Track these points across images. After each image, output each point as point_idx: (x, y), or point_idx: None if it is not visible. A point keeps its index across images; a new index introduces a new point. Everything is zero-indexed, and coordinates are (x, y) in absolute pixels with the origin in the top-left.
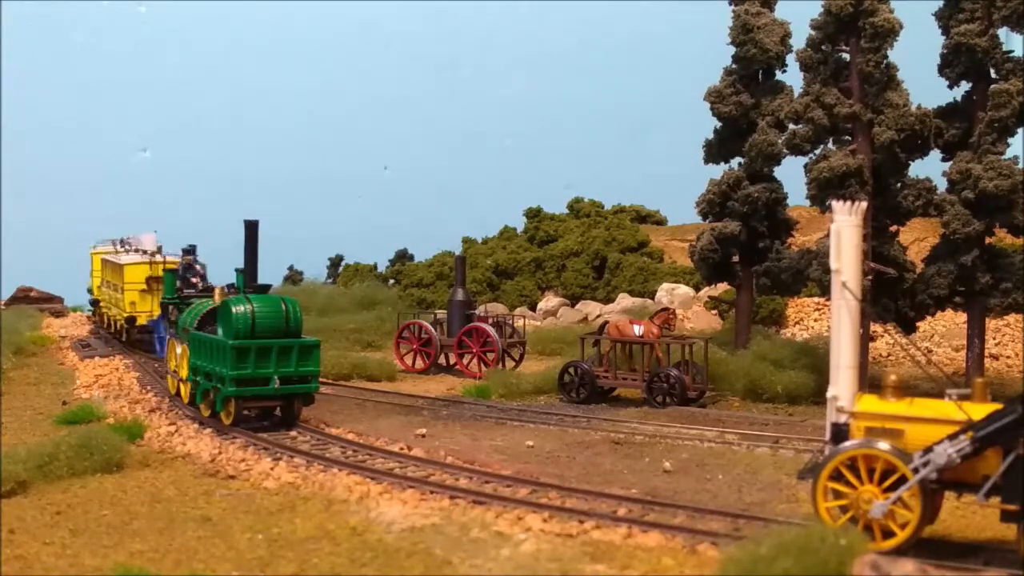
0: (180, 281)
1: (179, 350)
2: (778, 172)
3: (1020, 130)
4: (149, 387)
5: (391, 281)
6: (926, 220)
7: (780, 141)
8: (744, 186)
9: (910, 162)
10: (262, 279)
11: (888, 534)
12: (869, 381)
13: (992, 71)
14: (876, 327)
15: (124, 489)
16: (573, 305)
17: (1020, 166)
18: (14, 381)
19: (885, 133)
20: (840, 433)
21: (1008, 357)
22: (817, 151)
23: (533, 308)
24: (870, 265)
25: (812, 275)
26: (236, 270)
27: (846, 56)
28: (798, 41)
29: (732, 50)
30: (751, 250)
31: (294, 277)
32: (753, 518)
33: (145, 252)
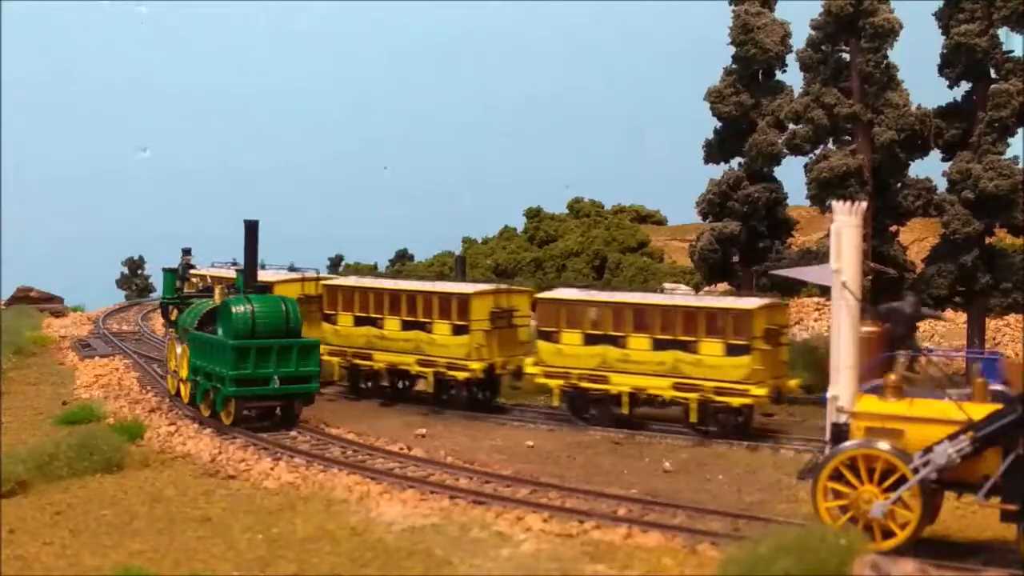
0: (179, 281)
1: (179, 350)
2: (778, 172)
3: (1020, 130)
4: (149, 387)
5: None
6: (926, 220)
7: (780, 141)
8: (744, 186)
9: (910, 162)
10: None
11: (888, 534)
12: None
13: (992, 71)
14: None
15: (124, 489)
16: None
17: (1020, 166)
18: (14, 381)
19: (885, 133)
20: (840, 433)
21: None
22: (817, 151)
23: (533, 308)
24: (870, 265)
25: None
26: (236, 270)
27: (846, 56)
28: (798, 41)
29: (732, 50)
30: (751, 250)
31: None
32: (753, 518)
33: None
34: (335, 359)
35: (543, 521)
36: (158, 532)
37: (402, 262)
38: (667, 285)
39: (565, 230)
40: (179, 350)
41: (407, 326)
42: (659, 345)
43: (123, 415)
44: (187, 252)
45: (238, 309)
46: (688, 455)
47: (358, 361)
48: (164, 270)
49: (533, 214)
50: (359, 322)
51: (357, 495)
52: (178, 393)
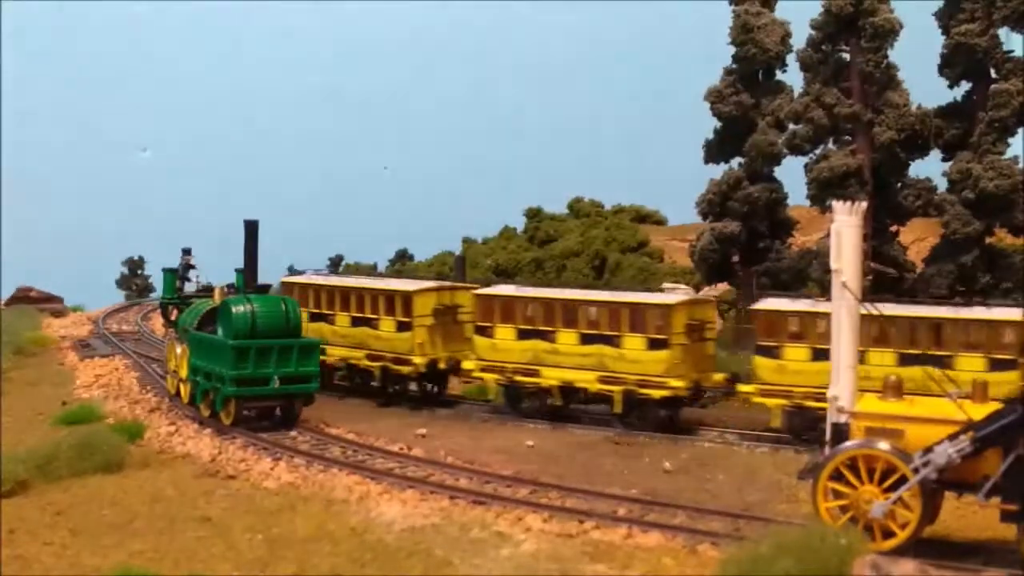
0: (179, 281)
1: (179, 350)
2: (778, 172)
3: (1020, 130)
4: (149, 387)
5: None
6: (926, 220)
7: (780, 141)
8: (744, 186)
9: (910, 162)
10: (262, 279)
11: (888, 534)
12: None
13: (992, 71)
14: None
15: (124, 489)
16: None
17: (1020, 166)
18: (14, 381)
19: (885, 133)
20: (840, 433)
21: None
22: (817, 151)
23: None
24: (870, 265)
25: (812, 275)
26: (236, 270)
27: (846, 56)
28: (798, 41)
29: (732, 50)
30: (751, 250)
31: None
32: (753, 518)
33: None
34: (491, 376)
35: (543, 521)
36: (158, 532)
37: (402, 262)
38: (667, 285)
39: (565, 230)
40: (179, 350)
41: (587, 339)
42: (906, 360)
43: (123, 415)
44: (187, 252)
45: (238, 309)
46: (688, 455)
47: (521, 378)
48: (164, 270)
49: (533, 214)
50: (523, 335)
51: (357, 495)
52: (178, 393)
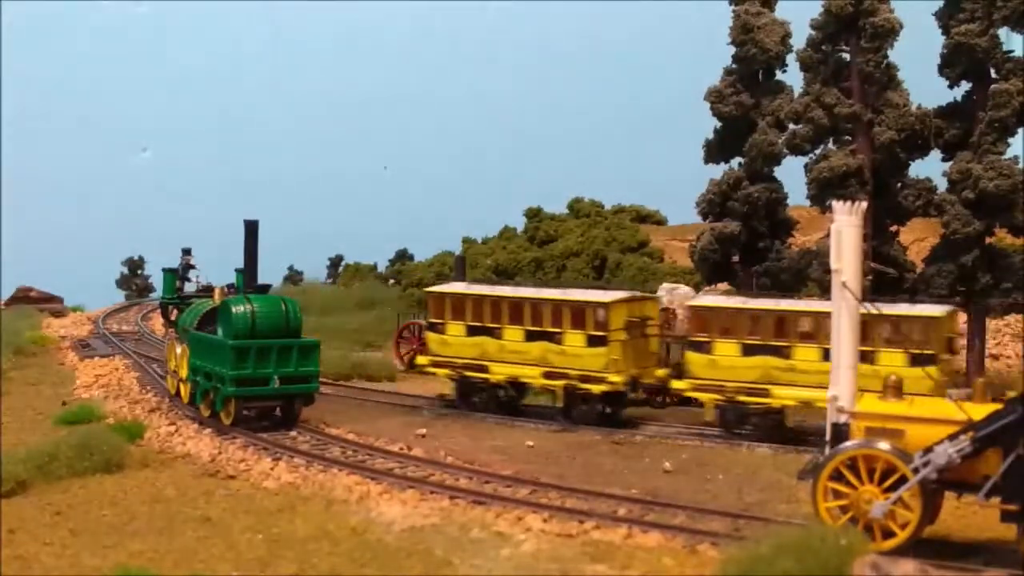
0: (179, 281)
1: (179, 350)
2: (778, 172)
3: (1020, 130)
4: (149, 387)
5: (391, 281)
6: (926, 220)
7: (780, 141)
8: (744, 186)
9: (910, 162)
10: (262, 279)
11: (888, 534)
12: None
13: (992, 71)
14: None
15: (124, 489)
16: None
17: (1020, 166)
18: (14, 381)
19: (885, 133)
20: (840, 433)
21: (1008, 357)
22: (817, 151)
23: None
24: (870, 265)
25: (812, 275)
26: (236, 270)
27: (846, 56)
28: (798, 41)
29: (732, 50)
30: (751, 250)
31: (294, 277)
32: (753, 518)
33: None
34: (708, 396)
35: (543, 521)
36: (158, 532)
37: (402, 262)
38: (666, 285)
39: (565, 230)
40: (179, 350)
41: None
42: None
43: (123, 415)
44: (187, 252)
45: (238, 309)
46: (688, 455)
47: (745, 398)
48: (164, 270)
49: (533, 214)
50: (748, 351)
51: (357, 495)
52: (178, 393)
